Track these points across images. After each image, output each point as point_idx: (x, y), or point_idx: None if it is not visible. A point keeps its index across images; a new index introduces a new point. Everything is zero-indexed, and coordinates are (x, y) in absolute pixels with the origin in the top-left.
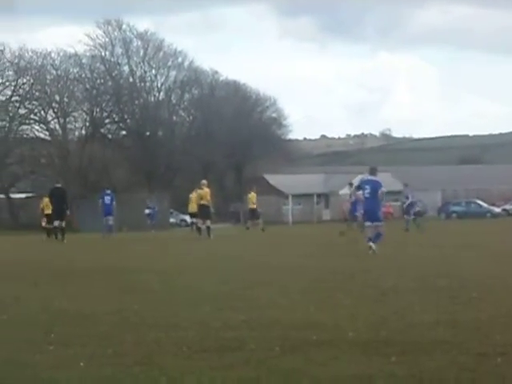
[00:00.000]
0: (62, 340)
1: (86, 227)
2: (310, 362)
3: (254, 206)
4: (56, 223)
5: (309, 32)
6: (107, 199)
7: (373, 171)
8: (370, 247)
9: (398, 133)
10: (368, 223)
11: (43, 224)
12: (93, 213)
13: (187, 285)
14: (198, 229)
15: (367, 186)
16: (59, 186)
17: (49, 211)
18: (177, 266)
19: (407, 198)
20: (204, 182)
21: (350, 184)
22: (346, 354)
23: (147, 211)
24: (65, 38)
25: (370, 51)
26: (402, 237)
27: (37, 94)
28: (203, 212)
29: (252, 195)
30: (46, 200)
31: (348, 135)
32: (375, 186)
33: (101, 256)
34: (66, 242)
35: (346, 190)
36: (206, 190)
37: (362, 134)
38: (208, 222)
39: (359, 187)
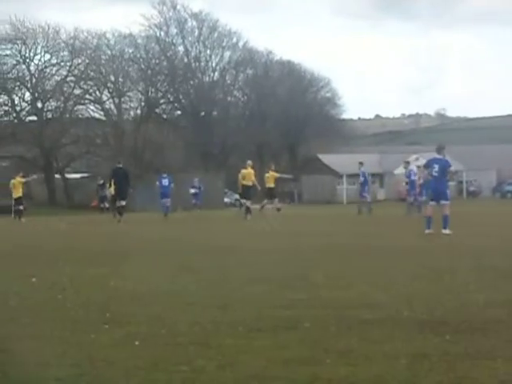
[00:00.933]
0: (117, 319)
1: (141, 207)
2: (366, 341)
3: (272, 186)
4: (118, 203)
5: (362, 9)
6: (164, 182)
7: (440, 150)
8: (430, 232)
9: (452, 112)
10: (432, 203)
11: (101, 205)
12: (147, 193)
13: (242, 264)
14: (247, 208)
15: (435, 165)
16: (121, 166)
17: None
18: (230, 245)
19: (408, 177)
20: (249, 162)
21: (407, 162)
22: (402, 333)
23: (192, 191)
24: (120, 18)
25: (424, 29)
26: (456, 216)
27: (92, 74)
28: (244, 192)
29: (271, 174)
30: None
31: (403, 115)
32: (444, 164)
33: (155, 236)
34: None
35: (401, 170)
36: (250, 171)
37: (417, 113)
38: (248, 203)
39: (427, 166)
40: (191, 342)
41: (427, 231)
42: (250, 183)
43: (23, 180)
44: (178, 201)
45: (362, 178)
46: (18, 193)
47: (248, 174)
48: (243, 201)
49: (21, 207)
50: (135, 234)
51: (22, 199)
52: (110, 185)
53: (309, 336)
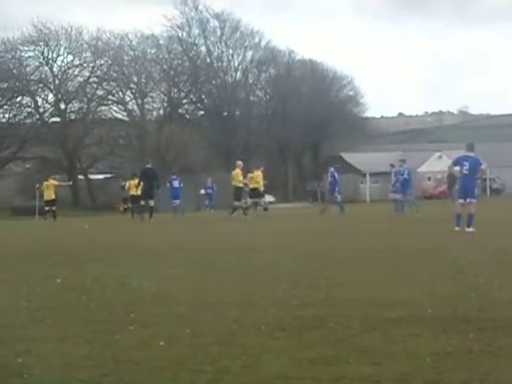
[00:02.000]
0: (141, 320)
1: (163, 207)
2: (390, 339)
3: (257, 186)
4: (144, 202)
5: (384, 8)
6: (175, 183)
7: (470, 147)
8: (458, 229)
9: (475, 110)
10: (461, 200)
11: (121, 208)
12: (168, 193)
13: (265, 263)
14: (246, 209)
15: (466, 163)
16: (150, 166)
17: (133, 192)
18: (252, 244)
19: (403, 174)
20: (239, 163)
21: (402, 161)
22: (425, 331)
23: (209, 191)
24: (142, 18)
25: (446, 28)
26: (480, 214)
27: (114, 74)
28: (236, 193)
29: (258, 174)
30: (133, 182)
31: (425, 112)
32: (475, 162)
33: (177, 236)
34: (153, 221)
35: (424, 167)
36: (238, 171)
37: (440, 111)
38: (239, 203)
39: (456, 163)
40: (215, 342)
41: (457, 228)
42: (240, 184)
43: (57, 183)
44: (201, 201)
45: (330, 178)
46: (50, 195)
47: (236, 175)
48: (238, 202)
49: (47, 208)
50: (158, 233)
51: (55, 201)
52: (139, 184)
53: (333, 335)
